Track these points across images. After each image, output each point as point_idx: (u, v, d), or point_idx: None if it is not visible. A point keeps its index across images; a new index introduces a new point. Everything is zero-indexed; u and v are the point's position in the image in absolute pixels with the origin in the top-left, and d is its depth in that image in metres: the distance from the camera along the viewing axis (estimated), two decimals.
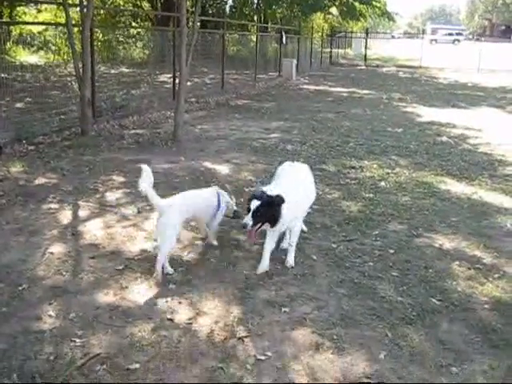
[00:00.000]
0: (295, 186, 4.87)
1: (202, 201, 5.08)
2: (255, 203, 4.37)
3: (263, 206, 4.39)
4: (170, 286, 4.39)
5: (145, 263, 4.78)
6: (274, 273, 4.63)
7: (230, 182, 7.12)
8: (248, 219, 4.36)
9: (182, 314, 4.00)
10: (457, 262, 5.05)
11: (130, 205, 6.34)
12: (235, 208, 5.39)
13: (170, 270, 4.60)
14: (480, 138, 11.24)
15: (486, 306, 4.28)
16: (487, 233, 5.84)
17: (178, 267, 4.72)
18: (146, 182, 4.61)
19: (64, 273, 4.57)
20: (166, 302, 4.15)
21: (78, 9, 10.33)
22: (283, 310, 4.10)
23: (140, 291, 4.31)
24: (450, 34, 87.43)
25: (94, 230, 5.54)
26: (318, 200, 6.66)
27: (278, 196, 4.43)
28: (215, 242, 5.23)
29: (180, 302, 4.15)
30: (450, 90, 22.16)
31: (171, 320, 3.91)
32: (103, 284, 4.40)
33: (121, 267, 4.70)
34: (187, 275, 4.59)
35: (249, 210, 4.41)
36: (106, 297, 4.21)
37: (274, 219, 4.48)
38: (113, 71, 18.72)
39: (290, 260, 4.84)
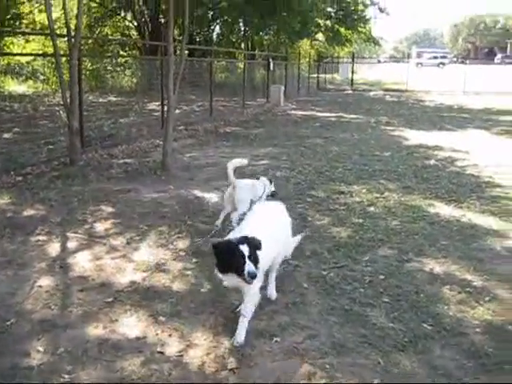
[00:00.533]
0: (264, 230, 4.30)
1: (258, 187, 6.73)
2: (245, 248, 3.86)
3: (253, 249, 3.92)
4: (159, 317, 4.35)
5: (134, 295, 4.74)
6: (265, 302, 4.60)
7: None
8: (251, 267, 3.82)
9: (173, 346, 3.96)
10: (447, 286, 5.04)
11: (119, 235, 6.30)
12: (273, 189, 7.04)
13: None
14: (467, 160, 11.29)
15: (477, 329, 4.26)
16: (477, 255, 5.84)
17: (168, 298, 4.69)
18: (234, 164, 6.33)
19: (53, 306, 4.52)
20: (156, 334, 4.11)
21: (66, 39, 10.35)
22: (274, 339, 4.06)
23: (130, 324, 4.26)
24: (435, 57, 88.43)
25: (82, 262, 5.50)
26: (307, 227, 6.70)
27: (253, 238, 3.99)
28: None
29: (170, 335, 4.11)
30: (436, 112, 22.35)
31: (161, 353, 3.87)
32: (92, 317, 4.36)
33: (110, 300, 4.65)
34: (177, 306, 4.55)
35: (235, 262, 3.87)
36: (95, 330, 4.16)
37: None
38: (101, 100, 18.82)
39: (238, 337, 4.03)
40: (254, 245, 3.94)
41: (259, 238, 4.02)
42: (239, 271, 3.85)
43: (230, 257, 3.88)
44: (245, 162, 6.64)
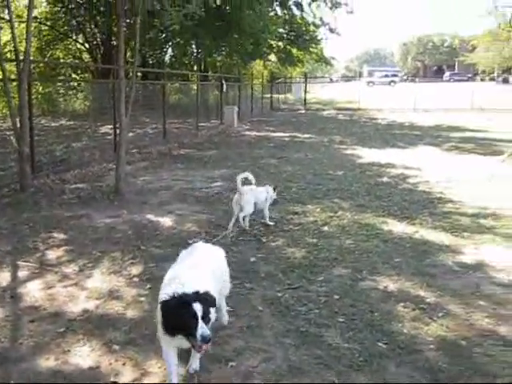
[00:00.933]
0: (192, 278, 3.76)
1: (261, 192, 7.79)
2: (198, 307, 3.36)
3: (207, 307, 3.46)
4: (113, 346, 4.28)
5: (87, 324, 4.66)
6: (220, 327, 4.57)
7: (173, 234, 7.06)
8: (205, 331, 3.33)
9: (127, 375, 3.90)
10: (401, 304, 5.09)
11: (71, 263, 6.20)
12: (275, 197, 8.02)
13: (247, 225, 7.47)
14: (419, 177, 11.49)
15: (431, 346, 4.30)
16: (430, 272, 5.92)
17: (122, 326, 4.62)
18: (241, 177, 7.43)
19: (2, 339, 4.41)
20: (110, 363, 4.04)
21: (15, 63, 10.21)
22: (230, 364, 4.03)
23: (83, 354, 4.18)
24: (386, 76, 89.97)
25: (33, 292, 5.38)
26: (261, 249, 6.71)
27: (207, 294, 3.56)
28: (268, 221, 7.82)
29: (124, 363, 4.05)
30: (388, 130, 22.70)
31: (115, 383, 3.80)
32: (44, 349, 4.26)
33: (62, 329, 4.56)
34: (131, 334, 4.49)
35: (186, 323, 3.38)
36: (47, 362, 4.07)
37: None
38: (53, 124, 18.58)
39: (194, 364, 3.93)
40: (209, 302, 3.50)
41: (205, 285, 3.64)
42: (190, 334, 3.37)
43: (181, 317, 3.37)
44: (250, 175, 7.66)
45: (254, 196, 7.61)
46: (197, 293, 3.46)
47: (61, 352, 4.21)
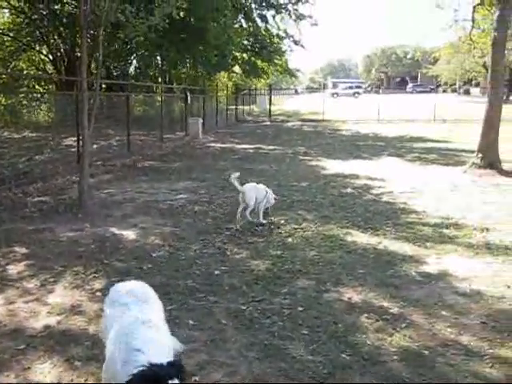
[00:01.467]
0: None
1: (262, 190, 8.57)
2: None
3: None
4: (75, 362, 4.23)
5: (48, 340, 4.59)
6: (183, 341, 4.53)
7: (137, 247, 7.01)
8: None
9: None
10: (365, 315, 5.12)
11: (32, 278, 6.10)
12: (273, 199, 8.79)
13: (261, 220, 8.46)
14: (383, 188, 11.60)
15: (395, 356, 4.34)
16: (393, 282, 5.97)
17: (84, 342, 4.56)
18: (235, 175, 8.30)
19: None
20: (72, 380, 3.99)
21: None
22: (193, 378, 4.01)
23: (44, 371, 4.12)
24: (350, 87, 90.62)
25: None
26: (226, 261, 6.69)
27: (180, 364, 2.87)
28: (262, 220, 8.51)
29: (86, 379, 4.00)
30: (352, 141, 22.85)
31: None
32: (4, 366, 4.19)
33: (23, 346, 4.48)
34: (93, 350, 4.42)
35: None
36: (6, 380, 3.99)
37: None
38: (16, 136, 18.30)
39: None
40: (183, 374, 2.79)
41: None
42: None
43: None
44: (238, 174, 8.43)
45: (255, 193, 8.45)
46: (172, 364, 2.77)
47: (21, 369, 4.14)
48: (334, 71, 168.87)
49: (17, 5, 31.49)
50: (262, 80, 49.45)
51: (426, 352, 4.42)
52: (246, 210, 8.40)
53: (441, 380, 4.02)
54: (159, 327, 3.16)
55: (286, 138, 24.46)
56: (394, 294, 5.65)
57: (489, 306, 5.35)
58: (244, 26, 36.43)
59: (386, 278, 6.13)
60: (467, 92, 77.93)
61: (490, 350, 4.43)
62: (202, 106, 29.02)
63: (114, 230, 8.20)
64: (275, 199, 8.86)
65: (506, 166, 13.53)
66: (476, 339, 4.63)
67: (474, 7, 19.89)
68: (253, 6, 36.32)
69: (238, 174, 8.41)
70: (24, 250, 7.16)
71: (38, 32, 32.47)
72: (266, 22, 37.08)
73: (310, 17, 37.24)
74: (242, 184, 8.56)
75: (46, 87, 33.17)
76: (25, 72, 34.20)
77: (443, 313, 5.18)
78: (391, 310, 5.24)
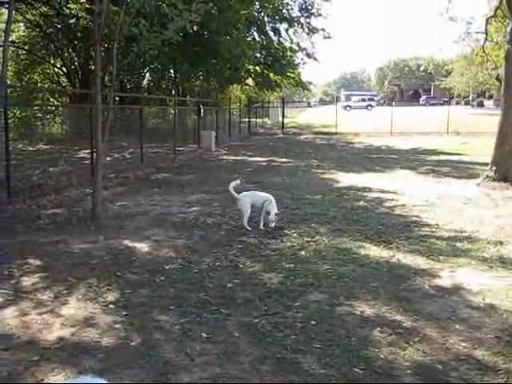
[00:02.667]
0: None
1: (259, 197, 9.05)
2: None
3: None
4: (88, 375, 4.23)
5: (62, 352, 4.60)
6: (195, 353, 4.54)
7: (150, 260, 7.02)
8: None
9: None
10: (378, 329, 5.09)
11: (46, 290, 6.13)
12: (276, 213, 8.88)
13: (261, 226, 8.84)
14: (396, 201, 11.55)
15: (408, 371, 4.31)
16: (406, 296, 5.93)
17: (97, 354, 4.57)
18: (233, 184, 8.99)
19: None
20: None
21: None
22: None
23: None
24: (363, 100, 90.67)
25: (7, 319, 5.31)
26: (239, 274, 6.69)
27: None
28: (261, 226, 8.89)
29: None
30: (365, 154, 22.82)
31: None
32: (17, 378, 4.20)
33: (36, 358, 4.49)
34: (106, 362, 4.44)
35: None
36: None
37: None
38: (31, 148, 18.44)
39: None
40: None
41: None
42: None
43: None
44: (238, 182, 9.24)
45: (250, 198, 8.99)
46: None
47: (34, 381, 4.15)
48: (347, 84, 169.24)
49: (32, 19, 31.89)
50: (275, 93, 49.62)
51: (440, 366, 4.39)
52: (244, 217, 8.95)
53: None
54: None
55: (298, 151, 24.47)
56: (407, 307, 5.61)
57: (503, 320, 5.31)
58: (257, 39, 36.65)
59: (399, 291, 6.09)
60: (481, 104, 77.59)
61: (505, 365, 4.39)
62: (215, 119, 29.12)
63: (128, 242, 8.23)
64: (276, 214, 8.91)
65: None
66: (490, 354, 4.59)
67: (487, 20, 19.89)
68: (266, 19, 36.52)
69: (238, 181, 8.97)
70: (38, 262, 7.20)
71: (52, 45, 32.87)
72: (279, 35, 37.31)
73: (323, 30, 37.44)
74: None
75: (60, 100, 33.46)
76: (39, 85, 34.50)
77: (457, 327, 5.14)
78: (404, 324, 5.20)
